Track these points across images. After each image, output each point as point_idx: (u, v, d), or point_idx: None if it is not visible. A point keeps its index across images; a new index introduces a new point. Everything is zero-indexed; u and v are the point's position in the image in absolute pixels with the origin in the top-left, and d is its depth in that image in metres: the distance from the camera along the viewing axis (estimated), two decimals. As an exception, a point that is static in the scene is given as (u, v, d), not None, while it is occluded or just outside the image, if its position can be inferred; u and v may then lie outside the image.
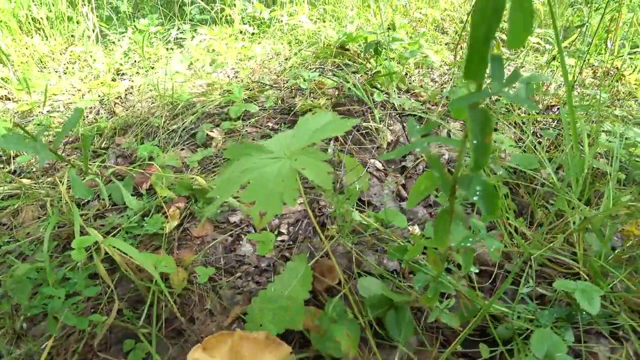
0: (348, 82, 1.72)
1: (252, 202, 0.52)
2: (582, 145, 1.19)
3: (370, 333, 0.80)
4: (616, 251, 1.01)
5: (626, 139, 1.54)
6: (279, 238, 1.06)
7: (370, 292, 0.89)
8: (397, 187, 1.24)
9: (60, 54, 2.88)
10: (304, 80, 1.79)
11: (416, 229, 1.06)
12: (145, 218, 1.11)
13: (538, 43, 2.60)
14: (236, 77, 2.22)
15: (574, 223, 1.04)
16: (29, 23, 3.00)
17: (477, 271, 0.89)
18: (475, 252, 0.72)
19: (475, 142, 0.33)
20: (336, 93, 1.80)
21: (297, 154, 0.57)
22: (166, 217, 1.10)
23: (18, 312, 0.88)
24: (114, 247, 0.89)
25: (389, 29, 2.18)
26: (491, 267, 0.99)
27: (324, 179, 0.49)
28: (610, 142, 1.30)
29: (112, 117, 1.97)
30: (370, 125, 1.50)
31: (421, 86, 1.94)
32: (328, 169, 0.50)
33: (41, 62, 2.77)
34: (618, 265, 0.97)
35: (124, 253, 0.89)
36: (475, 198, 0.38)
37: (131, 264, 0.94)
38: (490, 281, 0.97)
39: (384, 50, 1.92)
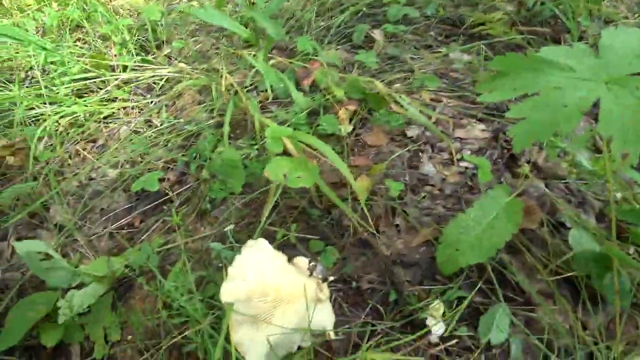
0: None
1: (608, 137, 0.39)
2: None
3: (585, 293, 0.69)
4: None
5: None
6: (462, 164, 0.93)
7: (582, 246, 0.76)
8: None
9: None
10: (479, -16, 1.50)
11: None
12: (313, 116, 1.04)
13: None
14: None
15: None
16: None
17: None
18: None
19: None
20: (516, 9, 1.50)
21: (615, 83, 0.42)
22: (337, 118, 1.02)
23: (203, 194, 0.89)
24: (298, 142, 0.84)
25: None
26: None
27: None
28: None
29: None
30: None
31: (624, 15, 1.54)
32: None
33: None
34: None
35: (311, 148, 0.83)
36: None
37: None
38: None
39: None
